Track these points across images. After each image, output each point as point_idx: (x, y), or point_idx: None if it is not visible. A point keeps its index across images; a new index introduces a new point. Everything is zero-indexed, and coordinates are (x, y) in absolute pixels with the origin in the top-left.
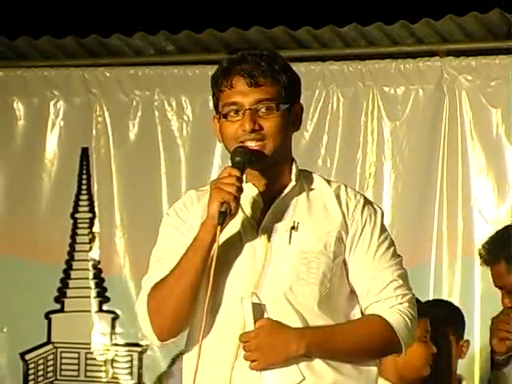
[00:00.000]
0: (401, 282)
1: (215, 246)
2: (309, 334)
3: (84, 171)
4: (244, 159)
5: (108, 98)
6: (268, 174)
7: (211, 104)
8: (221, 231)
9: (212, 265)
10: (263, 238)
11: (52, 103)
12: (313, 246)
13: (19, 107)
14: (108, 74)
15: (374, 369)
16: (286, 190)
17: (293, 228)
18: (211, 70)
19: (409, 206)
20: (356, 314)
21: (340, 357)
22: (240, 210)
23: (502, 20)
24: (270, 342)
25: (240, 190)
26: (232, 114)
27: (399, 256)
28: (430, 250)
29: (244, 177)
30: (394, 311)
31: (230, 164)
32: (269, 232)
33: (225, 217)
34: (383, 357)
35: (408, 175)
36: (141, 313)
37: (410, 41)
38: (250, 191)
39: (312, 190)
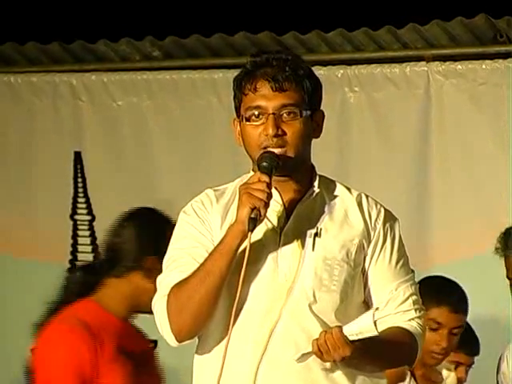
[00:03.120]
0: (418, 296)
1: (247, 252)
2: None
3: (79, 174)
4: (272, 165)
5: (96, 104)
6: (289, 180)
7: (197, 108)
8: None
9: (242, 269)
10: (287, 243)
11: (40, 109)
12: (336, 253)
13: (7, 113)
14: (95, 80)
15: (384, 381)
16: (309, 197)
17: (316, 234)
18: (197, 74)
19: (398, 209)
20: None
21: (375, 364)
22: None
23: (487, 25)
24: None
25: (270, 196)
26: (254, 117)
27: (413, 270)
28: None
29: None
30: (415, 324)
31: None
32: (291, 237)
33: (255, 223)
34: (399, 367)
35: (397, 181)
36: (159, 313)
37: (396, 46)
38: (273, 197)
39: (334, 197)
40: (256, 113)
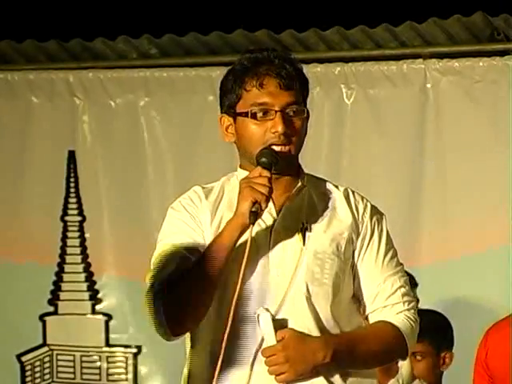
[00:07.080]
0: (407, 288)
1: (248, 245)
2: (334, 342)
3: (72, 174)
4: (271, 161)
5: (92, 101)
6: (280, 177)
7: (194, 106)
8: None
9: (243, 263)
10: (278, 239)
11: (37, 106)
12: (326, 246)
13: (4, 110)
14: (92, 78)
15: (375, 381)
16: (297, 193)
17: (306, 229)
18: (194, 72)
19: (393, 204)
20: (357, 319)
21: (359, 363)
22: None
23: (484, 23)
24: (298, 353)
25: (271, 190)
26: (261, 114)
27: (401, 263)
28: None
29: None
30: (403, 317)
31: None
32: (281, 233)
33: (256, 217)
34: (390, 362)
35: (394, 177)
36: (153, 308)
37: (393, 44)
38: None
39: (321, 192)
40: (263, 109)
